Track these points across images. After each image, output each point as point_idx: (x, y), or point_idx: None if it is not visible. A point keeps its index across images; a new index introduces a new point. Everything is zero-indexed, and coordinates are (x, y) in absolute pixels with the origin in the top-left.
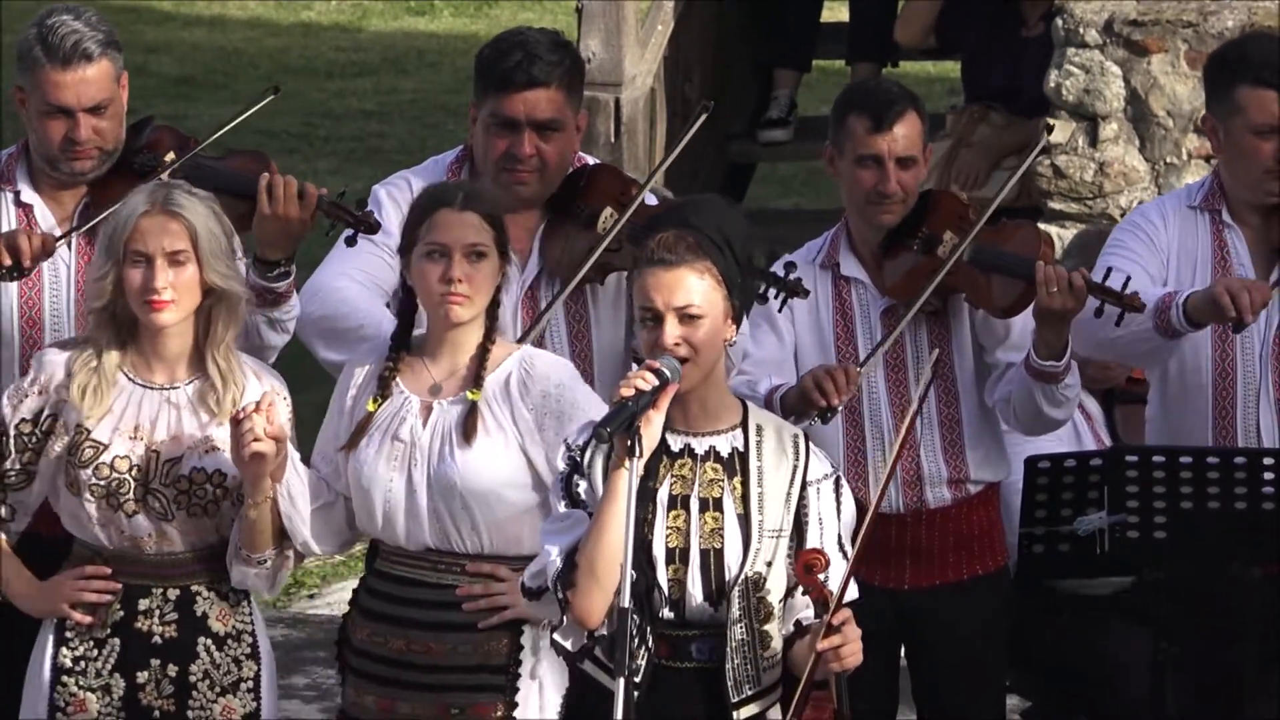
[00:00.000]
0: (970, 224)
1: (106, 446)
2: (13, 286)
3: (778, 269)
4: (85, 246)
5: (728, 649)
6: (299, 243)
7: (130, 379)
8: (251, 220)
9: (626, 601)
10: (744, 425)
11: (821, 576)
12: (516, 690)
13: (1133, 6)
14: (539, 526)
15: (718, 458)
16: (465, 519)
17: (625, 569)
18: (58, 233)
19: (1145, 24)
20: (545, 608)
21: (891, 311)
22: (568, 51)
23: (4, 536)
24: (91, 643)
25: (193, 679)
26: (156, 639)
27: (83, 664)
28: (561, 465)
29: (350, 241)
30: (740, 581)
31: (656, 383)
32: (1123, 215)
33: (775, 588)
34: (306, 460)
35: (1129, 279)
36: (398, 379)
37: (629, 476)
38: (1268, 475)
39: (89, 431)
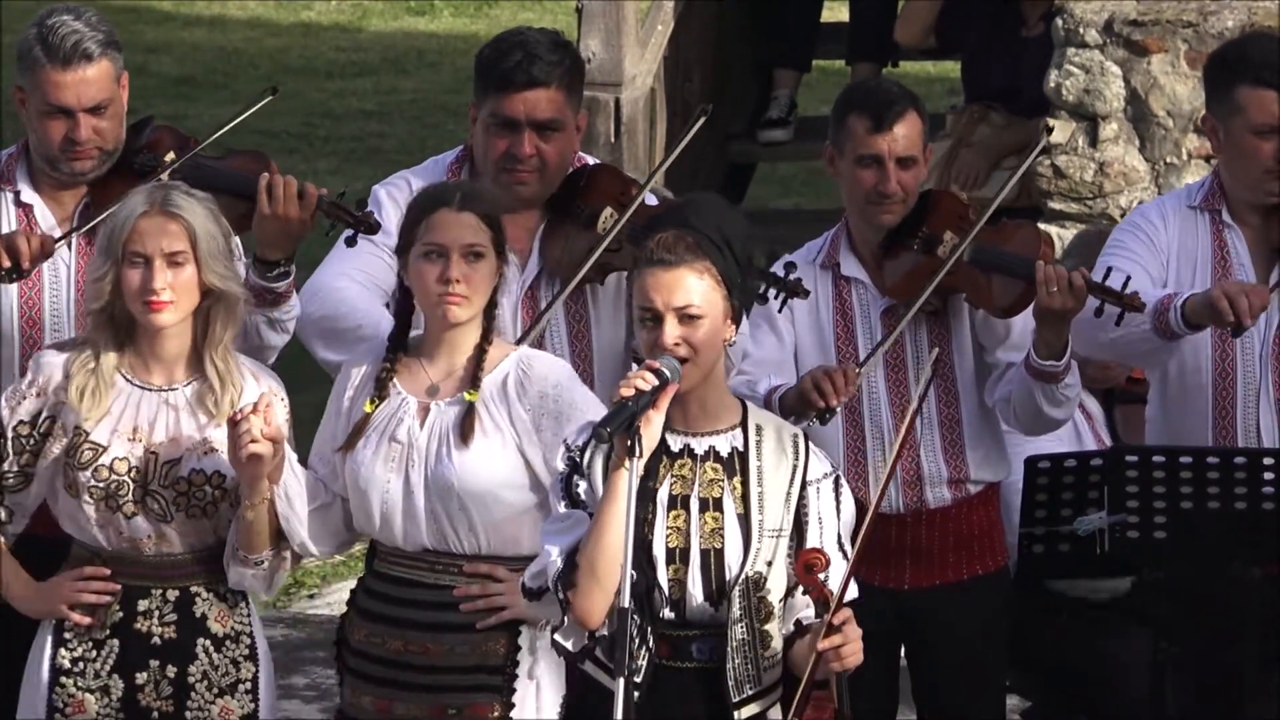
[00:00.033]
0: (970, 224)
1: (105, 448)
2: (13, 287)
3: (778, 269)
4: (85, 247)
5: (728, 649)
6: (299, 243)
7: (128, 380)
8: (251, 220)
9: (626, 601)
10: (743, 425)
11: (822, 576)
12: (513, 691)
13: (1133, 6)
14: (537, 527)
15: (717, 457)
16: (463, 520)
17: (625, 569)
18: (58, 233)
19: (1145, 24)
20: (546, 608)
21: (892, 311)
22: (568, 51)
23: (1, 539)
24: (90, 644)
25: (191, 680)
26: (156, 640)
27: (81, 665)
28: (561, 466)
29: (350, 242)
30: (741, 581)
31: (656, 383)
32: (1123, 215)
33: (775, 587)
34: (306, 461)
35: (1129, 279)
36: (395, 380)
37: (629, 476)
38: (1268, 475)
39: (87, 433)
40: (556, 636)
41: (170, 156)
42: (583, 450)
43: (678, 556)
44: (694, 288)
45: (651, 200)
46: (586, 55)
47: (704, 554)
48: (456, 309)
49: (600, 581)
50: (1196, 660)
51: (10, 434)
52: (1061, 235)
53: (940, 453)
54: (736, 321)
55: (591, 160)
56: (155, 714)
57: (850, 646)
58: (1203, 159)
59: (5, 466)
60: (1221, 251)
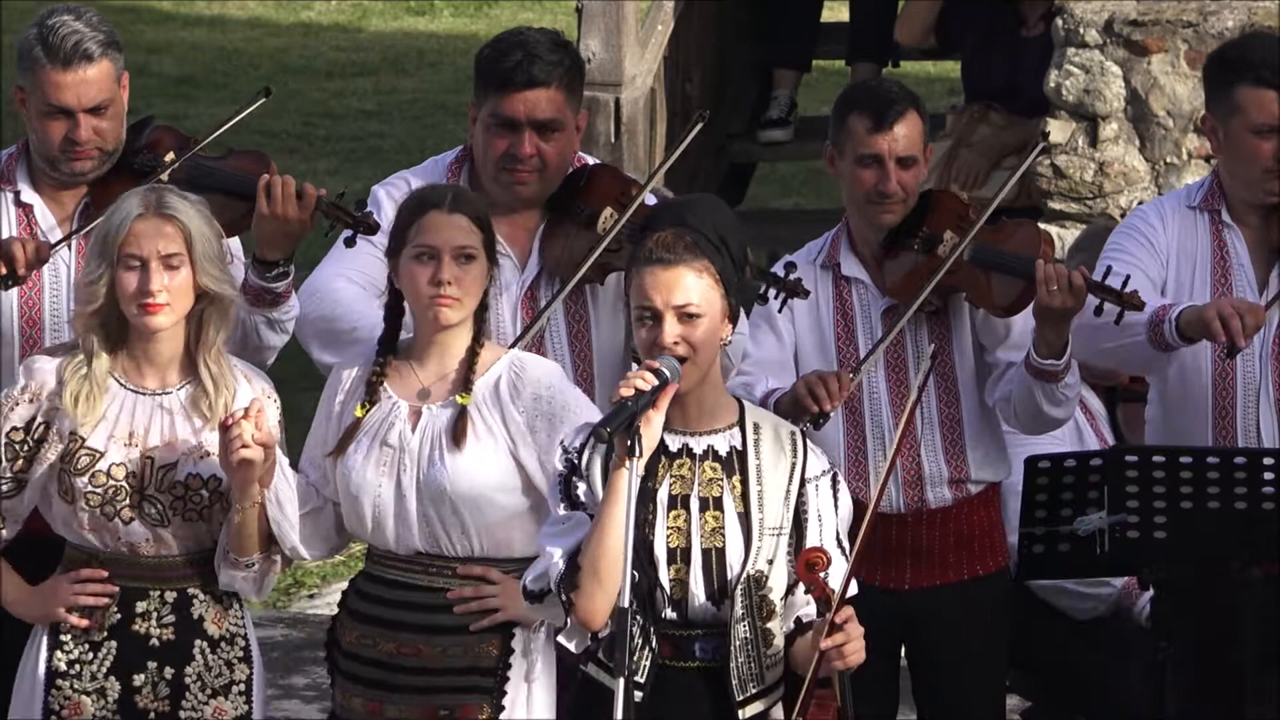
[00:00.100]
0: (970, 223)
1: (102, 454)
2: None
3: (778, 269)
4: (86, 248)
5: (731, 648)
6: (298, 243)
7: (122, 384)
8: (251, 220)
9: (626, 601)
10: (741, 424)
11: (823, 575)
12: (504, 694)
13: (1133, 6)
14: (529, 529)
15: (716, 457)
16: (455, 523)
17: (626, 569)
18: (58, 233)
19: (1145, 24)
20: (548, 610)
21: (892, 311)
22: (568, 51)
23: None
24: (86, 646)
25: (187, 681)
26: (154, 641)
27: (77, 667)
28: (559, 467)
29: (349, 242)
30: (743, 580)
31: (656, 383)
32: (1123, 215)
33: (777, 585)
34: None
35: (1128, 278)
36: (385, 383)
37: (629, 476)
38: (1268, 475)
39: (84, 439)
40: (560, 638)
41: (170, 156)
42: (580, 452)
43: (679, 556)
44: (693, 287)
45: (651, 200)
46: (586, 55)
47: (705, 553)
48: (448, 311)
49: (603, 582)
50: (1196, 660)
51: (4, 440)
52: (1061, 235)
53: (941, 453)
54: (734, 321)
55: (591, 160)
56: (152, 715)
57: (852, 645)
58: (1203, 159)
59: None
60: (1221, 252)
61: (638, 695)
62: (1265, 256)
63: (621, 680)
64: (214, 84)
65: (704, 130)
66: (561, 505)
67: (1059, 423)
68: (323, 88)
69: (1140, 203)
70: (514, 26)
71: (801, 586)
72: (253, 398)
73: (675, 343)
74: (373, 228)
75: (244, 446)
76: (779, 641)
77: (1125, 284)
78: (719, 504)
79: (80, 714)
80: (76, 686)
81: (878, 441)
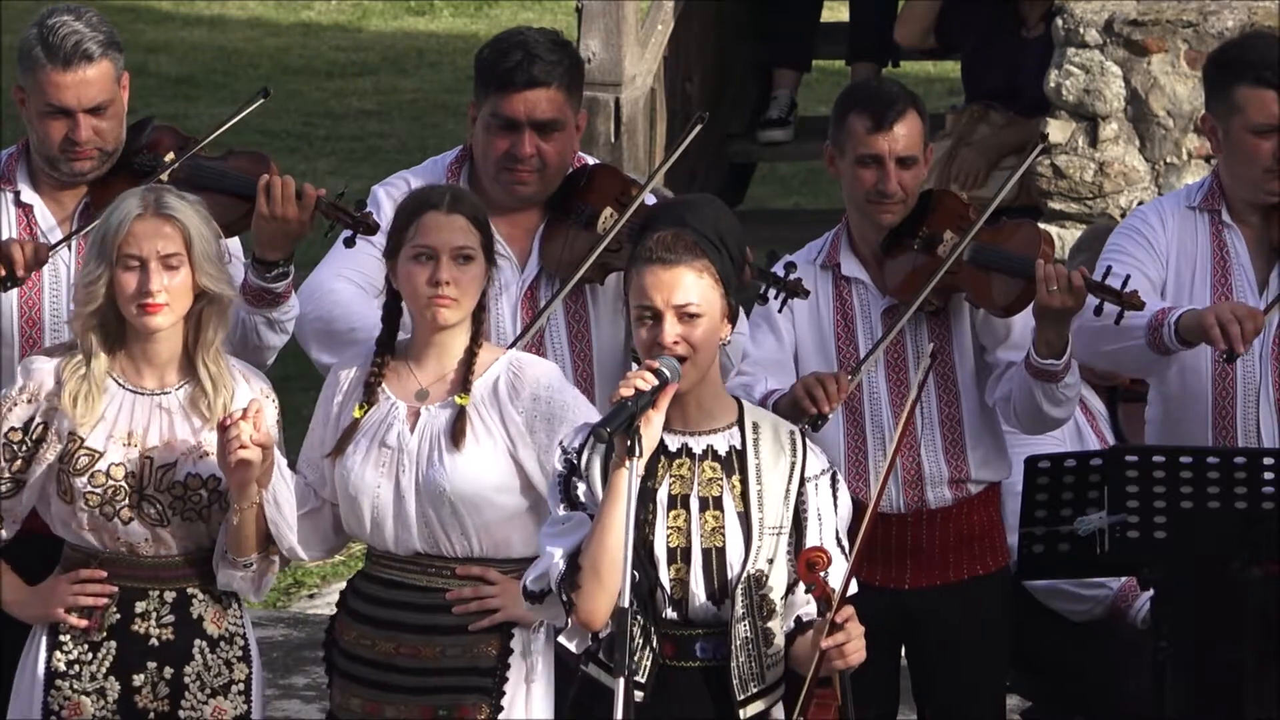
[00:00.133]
0: (970, 223)
1: (102, 454)
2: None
3: (778, 269)
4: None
5: (732, 647)
6: (298, 243)
7: (120, 385)
8: (250, 220)
9: (625, 601)
10: (740, 423)
11: (823, 574)
12: (503, 694)
13: (1133, 6)
14: (528, 530)
15: (715, 456)
16: (454, 524)
17: (626, 569)
18: (58, 233)
19: (1145, 24)
20: (548, 611)
21: (893, 311)
22: (567, 51)
23: None
24: (86, 646)
25: (186, 680)
26: (154, 641)
27: (77, 668)
28: (558, 468)
29: (349, 242)
30: (743, 580)
31: (656, 383)
32: (1123, 215)
33: (777, 584)
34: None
35: (1128, 277)
36: (383, 384)
37: (629, 476)
38: (1268, 475)
39: (83, 439)
40: (561, 639)
41: (170, 156)
42: (579, 452)
43: (679, 556)
44: (694, 286)
45: (651, 200)
46: (586, 55)
47: (705, 553)
48: (446, 311)
49: (603, 582)
50: (1196, 660)
51: (2, 441)
52: (1061, 235)
53: (941, 453)
54: (733, 321)
55: (591, 160)
56: (151, 715)
57: (853, 644)
58: (1203, 159)
59: None
60: (1221, 252)
61: (639, 695)
62: (1265, 256)
63: (621, 680)
64: (214, 84)
65: (704, 130)
66: (561, 506)
67: (1059, 423)
68: (323, 88)
69: (1140, 203)
70: (514, 26)
71: (801, 585)
72: (251, 398)
73: (675, 342)
74: (372, 228)
75: (242, 447)
76: (779, 641)
77: (1125, 284)
78: (719, 503)
79: (80, 714)
80: (76, 687)
81: (878, 441)
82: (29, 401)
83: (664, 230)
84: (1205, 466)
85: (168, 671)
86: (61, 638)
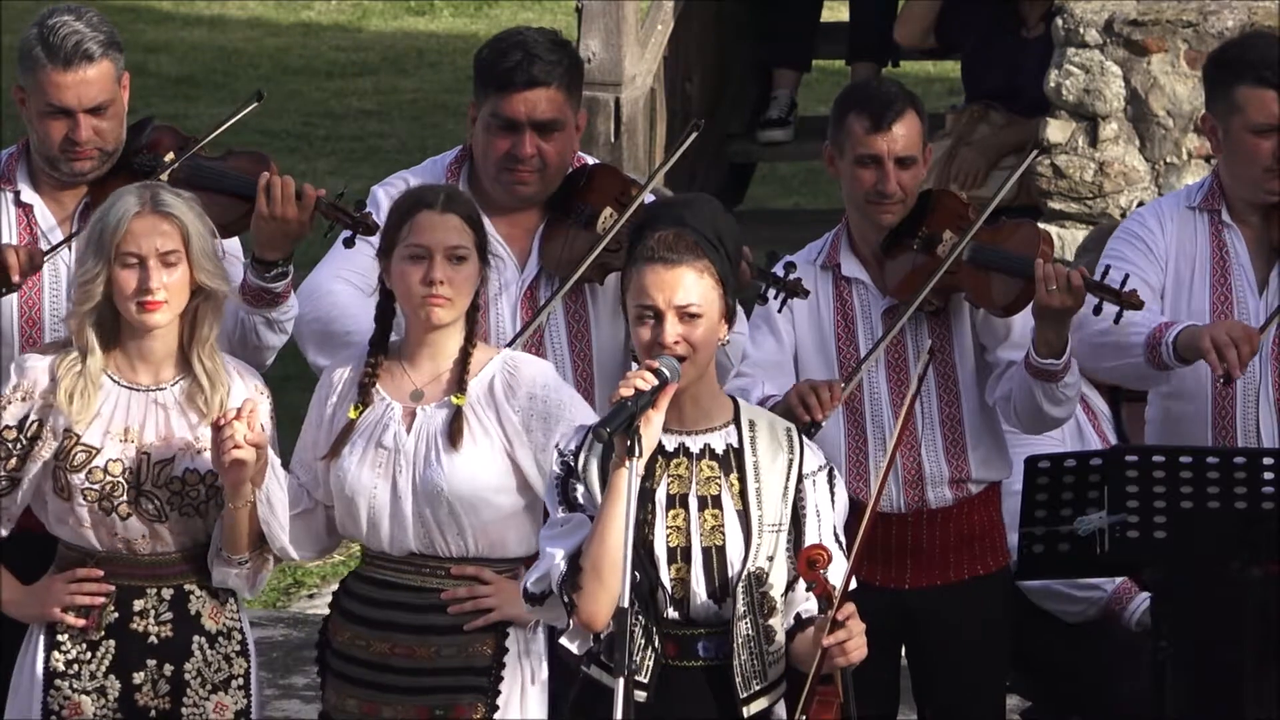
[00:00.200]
0: (970, 223)
1: (99, 450)
2: None
3: (778, 269)
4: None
5: (734, 645)
6: (297, 243)
7: (115, 381)
8: (250, 220)
9: (625, 601)
10: (736, 421)
11: (824, 572)
12: (499, 693)
13: (1133, 6)
14: (523, 529)
15: (713, 455)
16: (451, 524)
17: (625, 569)
18: (58, 233)
19: (1145, 24)
20: (549, 612)
21: (893, 311)
22: (567, 51)
23: None
24: (84, 645)
25: (187, 677)
26: (153, 639)
27: (76, 667)
28: (555, 470)
29: (348, 243)
30: (744, 578)
31: (656, 383)
32: (1123, 215)
33: (777, 582)
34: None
35: (1127, 276)
36: (377, 385)
37: (629, 476)
38: (1268, 475)
39: (79, 436)
40: (562, 640)
41: (170, 156)
42: (575, 455)
43: (679, 555)
44: (695, 287)
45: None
46: (586, 55)
47: (705, 552)
48: (440, 311)
49: (604, 583)
50: (1196, 660)
51: None
52: (1061, 235)
53: (941, 452)
54: (730, 321)
55: (591, 160)
56: (152, 713)
57: (855, 641)
58: (1203, 159)
59: None
60: (1221, 252)
61: (642, 695)
62: (1265, 256)
63: (621, 680)
64: (214, 84)
65: (704, 130)
66: (560, 508)
67: (1059, 422)
68: (323, 88)
69: (1140, 203)
70: (513, 26)
71: (801, 583)
72: (246, 398)
73: (676, 342)
74: (372, 228)
75: (236, 447)
76: (780, 638)
77: (1124, 283)
78: (717, 502)
79: (80, 714)
80: (75, 686)
81: (878, 441)
82: (23, 399)
83: (664, 230)
84: (1205, 466)
85: (167, 669)
86: (59, 637)
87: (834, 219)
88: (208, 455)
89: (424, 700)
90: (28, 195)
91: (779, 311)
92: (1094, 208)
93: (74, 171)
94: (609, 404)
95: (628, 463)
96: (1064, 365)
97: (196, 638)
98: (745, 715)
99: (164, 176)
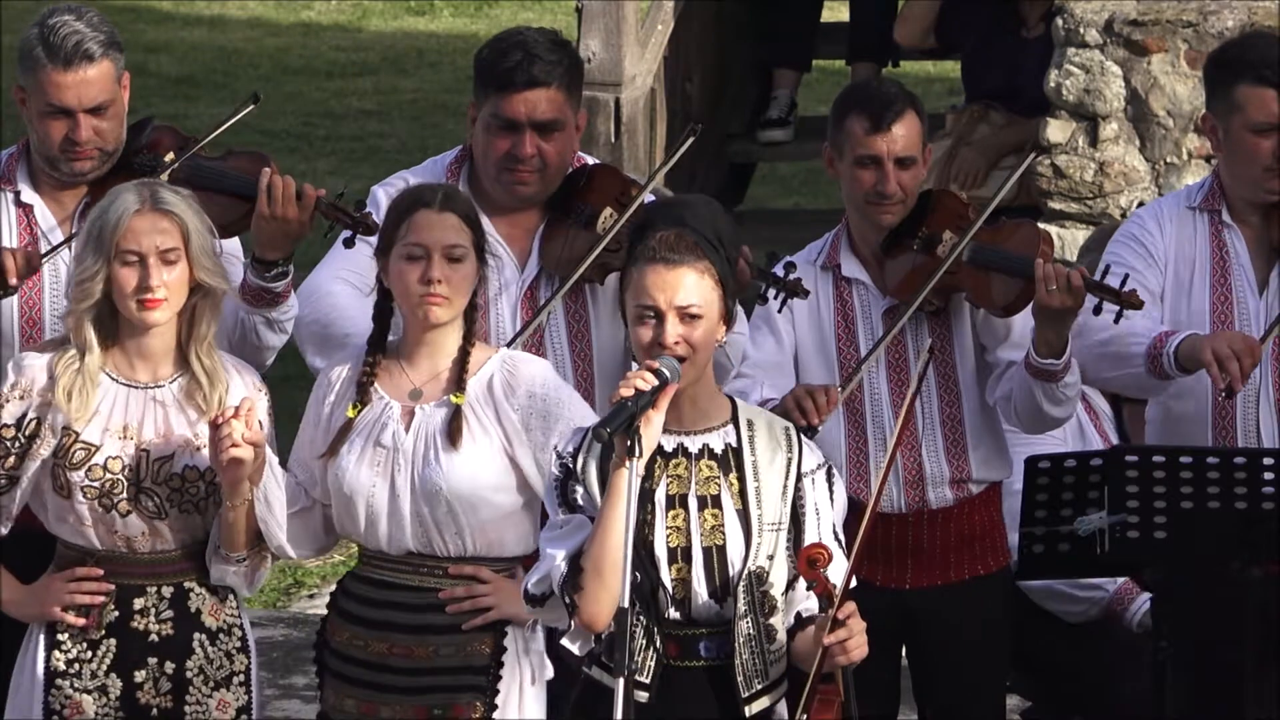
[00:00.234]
0: (970, 223)
1: (98, 448)
2: None
3: (778, 269)
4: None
5: (735, 645)
6: (297, 243)
7: (113, 379)
8: (250, 220)
9: (624, 601)
10: (734, 421)
11: (824, 571)
12: (497, 692)
13: (1133, 6)
14: (522, 528)
15: (712, 455)
16: (449, 523)
17: (625, 569)
18: (58, 233)
19: (1145, 24)
20: (551, 613)
21: (893, 312)
22: (567, 51)
23: None
24: (85, 644)
25: (189, 675)
26: (154, 637)
27: (77, 666)
28: (554, 472)
29: (348, 243)
30: (744, 577)
31: (656, 383)
32: (1123, 216)
33: (777, 580)
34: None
35: (1127, 276)
36: (375, 384)
37: (630, 476)
38: (1268, 475)
39: (78, 434)
40: (563, 641)
41: (170, 156)
42: (574, 456)
43: (680, 555)
44: (696, 287)
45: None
46: (586, 55)
47: (706, 551)
48: (438, 309)
49: (606, 583)
50: (1196, 660)
51: None
52: (1061, 235)
53: (942, 453)
54: (729, 322)
55: (591, 160)
56: (154, 711)
57: (855, 640)
58: (1203, 159)
59: None
60: (1221, 252)
61: (644, 696)
62: (1265, 256)
63: (621, 680)
64: (214, 84)
65: (704, 130)
66: (560, 509)
67: (1059, 422)
68: (323, 88)
69: (1140, 203)
70: (513, 26)
71: (802, 581)
72: (244, 396)
73: (676, 342)
74: (372, 228)
75: (234, 446)
76: (781, 637)
77: (1124, 283)
78: (717, 502)
79: (81, 713)
80: (77, 685)
81: (879, 441)
82: (21, 398)
83: (665, 230)
84: (1205, 466)
85: (169, 667)
86: (59, 636)
87: (834, 219)
88: (206, 452)
89: (422, 700)
90: (28, 195)
91: (779, 312)
92: (1094, 208)
93: (74, 171)
94: (609, 404)
95: (628, 463)
96: (1064, 365)
97: (197, 635)
98: (747, 715)
99: (164, 176)
